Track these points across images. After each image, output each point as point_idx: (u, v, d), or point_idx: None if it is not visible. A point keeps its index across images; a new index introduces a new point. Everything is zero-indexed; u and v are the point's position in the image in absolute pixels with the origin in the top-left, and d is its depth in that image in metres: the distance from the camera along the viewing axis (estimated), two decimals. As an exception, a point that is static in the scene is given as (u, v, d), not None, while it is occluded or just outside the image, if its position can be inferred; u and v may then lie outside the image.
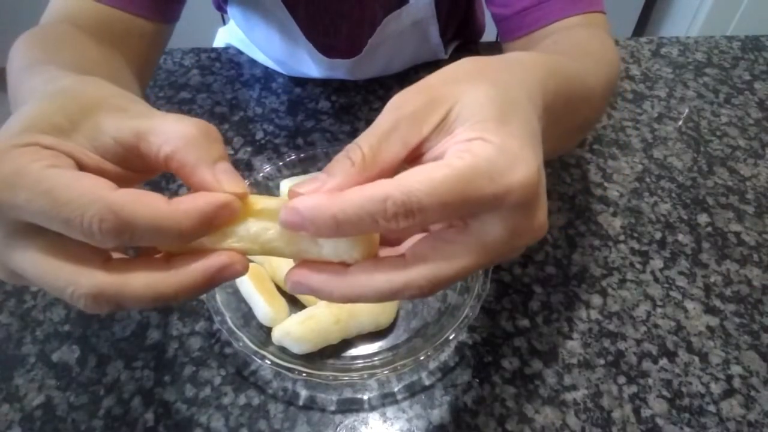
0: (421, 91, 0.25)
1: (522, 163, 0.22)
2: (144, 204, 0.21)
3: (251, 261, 0.49)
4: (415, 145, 0.24)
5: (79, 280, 0.22)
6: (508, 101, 0.24)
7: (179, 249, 0.24)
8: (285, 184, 0.54)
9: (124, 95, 0.26)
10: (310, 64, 0.68)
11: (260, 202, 0.25)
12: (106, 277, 0.22)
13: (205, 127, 0.24)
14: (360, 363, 0.44)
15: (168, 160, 0.24)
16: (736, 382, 0.45)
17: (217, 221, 0.23)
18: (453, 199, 0.21)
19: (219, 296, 0.45)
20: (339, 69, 0.68)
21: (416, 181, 0.21)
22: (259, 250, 0.25)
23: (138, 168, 0.25)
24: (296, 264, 0.25)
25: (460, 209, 0.22)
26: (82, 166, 0.23)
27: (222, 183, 0.24)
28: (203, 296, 0.46)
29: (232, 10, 0.69)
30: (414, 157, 0.25)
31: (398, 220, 0.21)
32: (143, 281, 0.23)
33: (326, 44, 0.66)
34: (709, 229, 0.56)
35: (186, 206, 0.22)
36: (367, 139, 0.24)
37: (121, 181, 0.23)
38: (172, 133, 0.24)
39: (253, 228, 0.25)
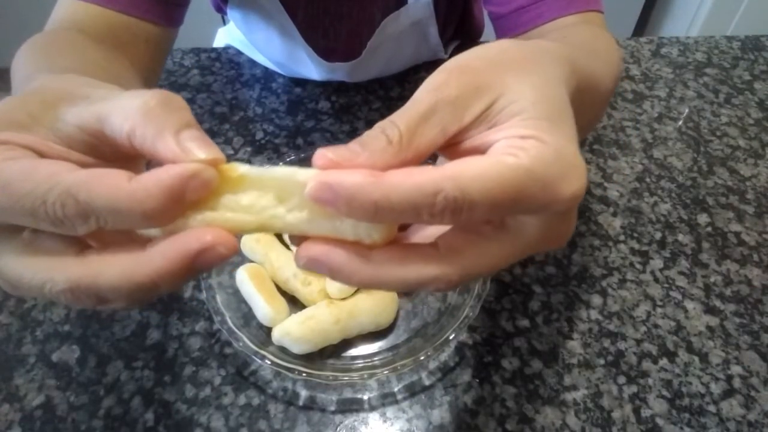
0: (465, 74, 0.23)
1: (575, 173, 0.21)
2: (102, 184, 0.19)
3: (251, 261, 0.49)
4: (454, 133, 0.22)
5: (53, 275, 0.21)
6: (557, 99, 0.23)
7: (171, 231, 0.21)
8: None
9: (91, 84, 0.24)
10: (309, 67, 0.69)
11: (242, 168, 0.22)
12: (80, 269, 0.21)
13: (165, 96, 0.22)
14: (360, 363, 0.44)
15: (131, 139, 0.21)
16: (736, 382, 0.45)
17: (189, 196, 0.20)
18: (504, 201, 0.20)
19: (219, 296, 0.45)
20: (338, 72, 0.68)
21: (470, 178, 0.19)
22: (254, 224, 0.22)
23: (111, 156, 0.23)
24: (311, 238, 0.22)
25: (506, 211, 0.20)
26: (45, 158, 0.21)
27: (189, 151, 0.21)
28: (203, 296, 0.46)
29: (231, 12, 0.69)
30: (448, 146, 0.23)
31: (443, 216, 0.20)
32: (117, 270, 0.20)
33: (326, 47, 0.66)
34: (709, 229, 0.56)
35: (147, 182, 0.19)
36: (404, 118, 0.21)
37: None
38: (130, 109, 0.21)
39: (244, 199, 0.22)
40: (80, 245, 0.21)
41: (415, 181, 0.19)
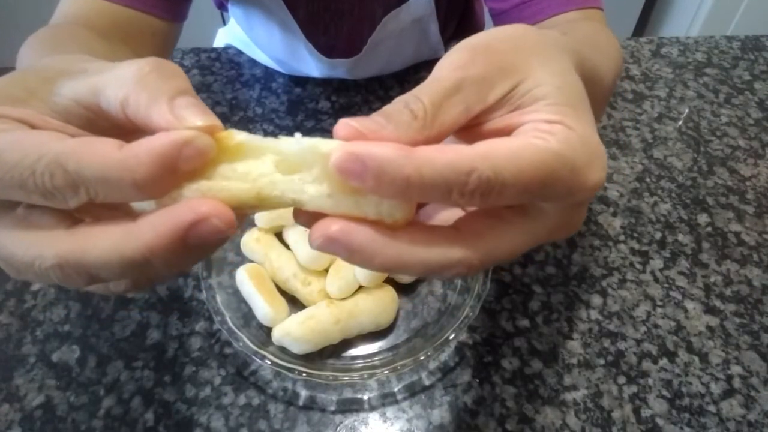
0: (489, 54, 0.22)
1: (599, 161, 0.21)
2: (91, 152, 0.18)
3: (251, 261, 0.49)
4: (477, 113, 0.22)
5: (42, 251, 0.19)
6: (578, 87, 0.23)
7: (165, 205, 0.20)
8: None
9: (90, 60, 0.23)
10: (310, 64, 0.69)
11: (240, 135, 0.20)
12: (68, 243, 0.19)
13: (159, 63, 0.21)
14: (360, 363, 0.44)
15: (125, 108, 0.20)
16: (736, 382, 0.45)
17: (183, 165, 0.19)
18: (534, 184, 0.19)
19: (219, 296, 0.45)
20: (339, 68, 0.68)
21: (504, 158, 0.19)
22: (251, 192, 0.20)
23: (109, 130, 0.22)
24: (326, 216, 0.20)
25: (534, 194, 0.20)
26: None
27: (183, 118, 0.20)
28: (203, 296, 0.46)
29: (233, 9, 0.69)
30: (466, 127, 0.22)
31: (473, 197, 0.19)
32: (106, 243, 0.19)
33: (326, 43, 0.66)
34: (709, 229, 0.56)
35: (138, 150, 0.18)
36: (429, 93, 0.21)
37: None
38: (124, 78, 0.20)
39: (240, 167, 0.20)
40: (73, 220, 0.20)
41: (449, 157, 0.18)
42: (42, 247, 0.20)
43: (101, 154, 0.18)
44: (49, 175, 0.18)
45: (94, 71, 0.22)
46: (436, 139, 0.21)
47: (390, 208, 0.20)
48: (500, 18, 0.55)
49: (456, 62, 0.22)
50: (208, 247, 0.19)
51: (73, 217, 0.20)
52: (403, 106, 0.20)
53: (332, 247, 0.19)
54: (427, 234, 0.20)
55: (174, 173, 0.19)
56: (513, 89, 0.22)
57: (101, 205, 0.20)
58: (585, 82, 0.24)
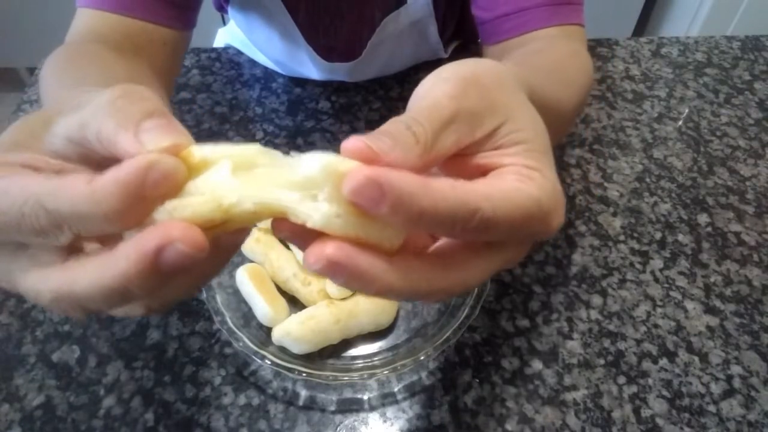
0: (480, 89, 0.23)
1: (562, 207, 0.23)
2: (63, 190, 0.19)
3: (251, 261, 0.49)
4: (464, 146, 0.22)
5: (40, 287, 0.20)
6: (546, 133, 0.24)
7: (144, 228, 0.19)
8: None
9: (87, 91, 0.23)
10: (309, 67, 0.69)
11: (201, 151, 0.20)
12: (59, 278, 0.20)
13: (124, 89, 0.21)
14: (360, 363, 0.44)
15: (100, 140, 0.20)
16: (736, 382, 0.45)
17: (152, 190, 0.18)
18: (518, 225, 0.21)
19: (219, 296, 0.45)
20: (339, 72, 0.68)
21: (500, 201, 0.20)
22: (214, 209, 0.19)
23: (104, 163, 0.21)
24: (325, 238, 0.19)
25: (514, 233, 0.21)
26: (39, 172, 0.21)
27: (146, 142, 0.19)
28: (203, 296, 0.46)
29: (232, 11, 0.69)
30: (450, 157, 0.23)
31: (470, 233, 0.20)
32: (88, 276, 0.19)
33: (326, 46, 0.66)
34: (709, 229, 0.56)
35: (105, 181, 0.18)
36: (429, 119, 0.21)
37: None
38: (96, 109, 0.20)
39: (200, 181, 0.19)
40: (70, 254, 0.21)
41: (459, 195, 0.19)
42: (40, 283, 0.20)
43: (71, 190, 0.18)
44: (35, 217, 0.19)
45: (85, 103, 0.22)
46: (430, 166, 0.22)
47: (392, 234, 0.20)
48: (484, 27, 0.55)
49: (451, 92, 0.22)
50: (188, 271, 0.19)
51: (71, 251, 0.21)
52: (405, 128, 0.21)
53: (334, 271, 0.19)
54: (419, 263, 0.21)
55: (144, 200, 0.18)
56: (497, 128, 0.23)
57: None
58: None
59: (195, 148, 0.20)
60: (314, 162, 0.19)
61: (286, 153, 0.21)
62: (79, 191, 0.18)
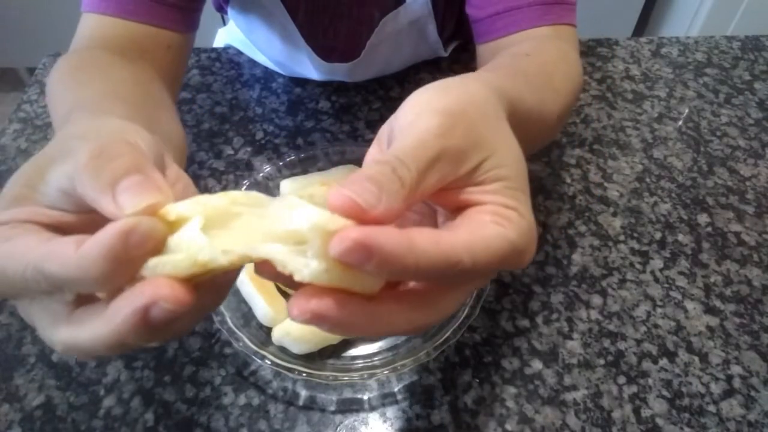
0: (466, 124, 0.23)
1: (534, 243, 0.23)
2: (55, 256, 0.20)
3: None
4: (447, 183, 0.23)
5: (53, 339, 0.22)
6: (525, 169, 0.25)
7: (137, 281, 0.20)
8: (285, 185, 0.54)
9: (79, 135, 0.24)
10: (309, 67, 0.69)
11: (176, 209, 0.21)
12: (65, 332, 0.21)
13: (100, 147, 0.21)
14: (360, 363, 0.44)
15: (85, 199, 0.21)
16: (736, 382, 0.45)
17: (135, 251, 0.19)
18: (494, 268, 0.22)
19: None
20: (338, 72, 0.68)
21: (480, 250, 0.21)
22: (192, 264, 0.20)
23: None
24: (308, 290, 0.20)
25: (487, 274, 0.22)
26: (44, 227, 0.22)
27: (123, 206, 0.20)
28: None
29: (232, 12, 0.69)
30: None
31: (448, 280, 0.21)
32: (88, 332, 0.20)
33: (325, 46, 0.66)
34: (709, 229, 0.56)
35: (89, 249, 0.19)
36: (415, 161, 0.22)
37: (95, 230, 0.20)
38: (78, 170, 0.21)
39: (176, 238, 0.20)
40: (78, 303, 0.22)
41: (442, 250, 0.20)
42: (52, 335, 0.22)
43: (61, 258, 0.19)
44: (35, 282, 0.20)
45: (74, 151, 0.22)
46: (414, 203, 0.22)
47: (373, 281, 0.21)
48: (476, 26, 0.56)
49: (437, 130, 0.23)
50: (176, 323, 0.20)
51: (80, 301, 0.22)
52: (390, 171, 0.21)
53: (318, 323, 0.20)
54: (398, 306, 0.22)
55: (129, 261, 0.19)
56: (480, 164, 0.23)
57: None
58: (517, 123, 0.27)
59: (170, 206, 0.21)
60: (303, 220, 0.20)
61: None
62: (68, 258, 0.19)
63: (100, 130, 0.24)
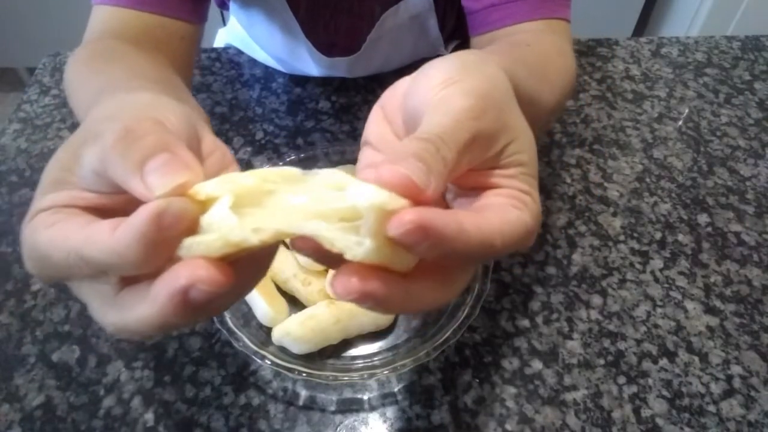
0: (496, 108, 0.24)
1: (539, 227, 0.24)
2: (92, 241, 0.20)
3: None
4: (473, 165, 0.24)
5: (102, 320, 0.22)
6: (536, 152, 0.25)
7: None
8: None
9: (109, 118, 0.24)
10: (309, 63, 0.69)
11: (205, 189, 0.20)
12: (113, 315, 0.22)
13: (125, 129, 0.21)
14: (360, 363, 0.44)
15: (117, 182, 0.21)
16: (736, 382, 0.45)
17: (169, 233, 0.19)
18: (512, 250, 0.22)
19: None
20: (338, 67, 0.68)
21: (509, 233, 0.22)
22: (224, 245, 0.19)
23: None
24: (352, 269, 0.20)
25: (500, 256, 0.23)
26: (84, 210, 0.23)
27: (152, 187, 0.20)
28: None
29: (234, 7, 0.69)
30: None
31: (475, 260, 0.22)
32: (135, 315, 0.21)
33: (326, 40, 0.66)
34: (709, 229, 0.56)
35: (124, 233, 0.19)
36: (455, 142, 0.22)
37: (134, 209, 0.20)
38: (106, 152, 0.21)
39: (208, 218, 0.20)
40: (125, 283, 0.22)
41: (483, 234, 0.20)
42: (102, 317, 0.22)
43: (99, 243, 0.20)
44: (78, 267, 0.20)
45: (105, 132, 0.22)
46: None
47: (410, 260, 0.21)
48: (472, 17, 0.56)
49: (472, 112, 0.23)
50: (217, 301, 0.20)
51: (126, 281, 0.22)
52: (435, 151, 0.21)
53: (365, 300, 0.20)
54: (428, 284, 0.22)
55: (164, 242, 0.19)
56: (504, 148, 0.24)
57: None
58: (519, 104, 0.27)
59: (199, 186, 0.20)
60: (361, 198, 0.19)
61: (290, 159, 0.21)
62: (104, 244, 0.20)
63: (128, 109, 0.24)
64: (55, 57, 0.76)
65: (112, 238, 0.19)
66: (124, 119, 0.22)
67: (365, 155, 0.27)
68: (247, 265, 0.22)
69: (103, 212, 0.23)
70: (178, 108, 0.24)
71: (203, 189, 0.20)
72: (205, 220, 0.20)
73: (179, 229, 0.19)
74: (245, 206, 0.21)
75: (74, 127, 0.67)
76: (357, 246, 0.19)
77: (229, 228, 0.19)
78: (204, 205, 0.20)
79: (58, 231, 0.21)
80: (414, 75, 0.26)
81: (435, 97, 0.24)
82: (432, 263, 0.22)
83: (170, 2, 0.50)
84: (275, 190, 0.21)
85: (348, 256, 0.19)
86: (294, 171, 0.22)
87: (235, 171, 0.26)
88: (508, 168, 0.24)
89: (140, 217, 0.19)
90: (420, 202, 0.20)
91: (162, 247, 0.19)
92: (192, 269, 0.19)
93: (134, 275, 0.21)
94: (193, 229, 0.20)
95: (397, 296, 0.21)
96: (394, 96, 0.27)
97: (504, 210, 0.23)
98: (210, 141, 0.26)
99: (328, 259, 0.21)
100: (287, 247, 0.50)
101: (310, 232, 0.20)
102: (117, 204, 0.23)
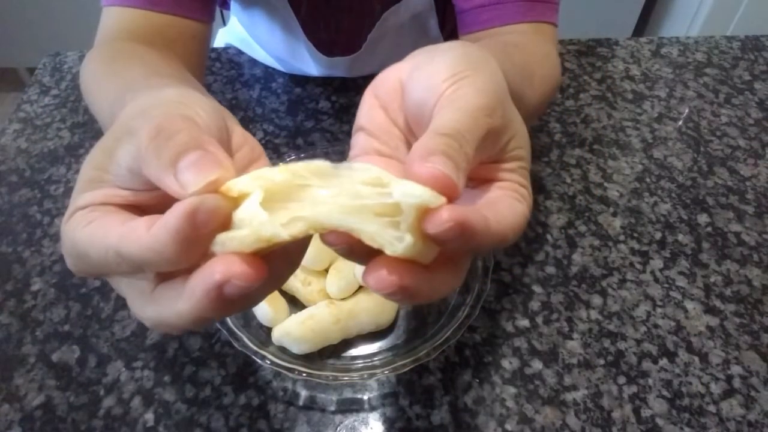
0: (504, 104, 0.24)
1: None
2: (129, 240, 0.20)
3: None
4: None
5: (140, 315, 0.23)
6: (530, 145, 0.27)
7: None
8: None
9: (139, 114, 0.24)
10: (309, 62, 0.69)
11: (237, 186, 0.21)
12: (151, 310, 0.22)
13: (155, 128, 0.21)
14: (360, 363, 0.44)
15: (151, 180, 0.22)
16: (736, 382, 0.45)
17: (204, 230, 0.20)
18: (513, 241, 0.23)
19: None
20: (338, 67, 0.68)
21: (518, 226, 0.23)
22: (257, 240, 0.20)
23: None
24: (384, 262, 0.21)
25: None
26: (121, 207, 0.23)
27: (186, 185, 0.20)
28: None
29: (235, 6, 0.69)
30: None
31: (486, 252, 0.24)
32: (172, 310, 0.21)
33: (327, 40, 0.66)
34: (709, 229, 0.56)
35: (159, 231, 0.20)
36: (474, 141, 0.22)
37: (170, 206, 0.21)
38: (139, 151, 0.22)
39: (240, 214, 0.20)
40: (162, 279, 0.22)
41: (501, 228, 0.22)
42: (140, 312, 0.23)
43: (136, 240, 0.20)
44: (116, 264, 0.21)
45: (138, 129, 0.22)
46: None
47: (434, 252, 0.22)
48: (462, 16, 0.56)
49: (485, 110, 0.23)
50: (252, 294, 0.21)
51: (163, 277, 0.22)
52: (459, 147, 0.22)
53: (399, 292, 0.21)
54: (445, 273, 0.23)
55: (199, 239, 0.20)
56: (507, 143, 0.25)
57: None
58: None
59: (231, 183, 0.21)
60: (404, 195, 0.20)
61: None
62: (140, 241, 0.20)
63: (159, 105, 0.24)
64: (55, 57, 0.76)
65: (148, 236, 0.20)
66: (156, 116, 0.22)
67: (359, 141, 0.27)
68: (280, 258, 0.23)
69: (139, 209, 0.23)
70: (207, 103, 0.25)
71: (235, 186, 0.21)
72: (238, 216, 0.20)
73: (213, 225, 0.20)
74: (277, 201, 0.21)
75: (74, 127, 0.67)
76: (398, 242, 0.20)
77: (260, 223, 0.20)
78: (236, 201, 0.21)
79: (95, 229, 0.22)
80: (414, 63, 0.26)
81: (447, 91, 0.24)
82: (443, 253, 0.23)
83: (180, 1, 0.51)
84: (306, 184, 0.22)
85: (388, 251, 0.20)
86: (325, 165, 0.22)
87: (264, 163, 0.26)
88: (510, 162, 0.25)
89: (175, 215, 0.19)
90: (452, 199, 0.21)
91: (196, 243, 0.20)
92: (227, 265, 0.19)
93: (170, 271, 0.21)
94: (226, 225, 0.21)
95: (425, 287, 0.21)
96: (388, 81, 0.27)
97: (512, 204, 0.24)
98: (239, 134, 0.26)
99: (358, 254, 0.22)
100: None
101: (351, 226, 0.20)
102: (152, 201, 0.23)
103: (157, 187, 0.22)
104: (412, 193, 0.20)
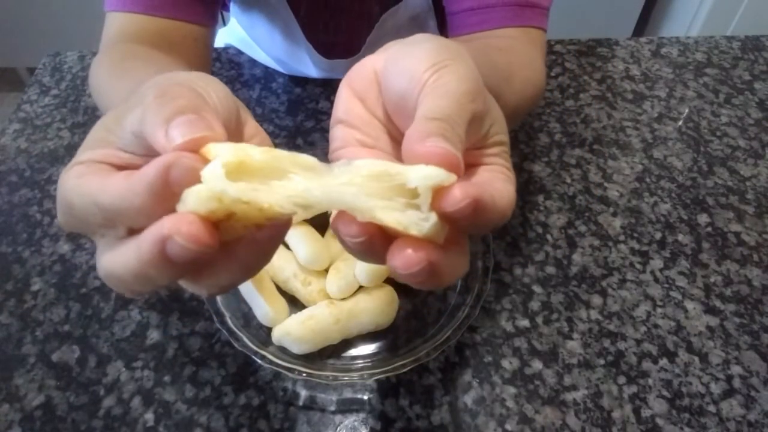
0: (484, 93, 0.25)
1: None
2: (107, 187, 0.21)
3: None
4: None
5: (98, 265, 0.23)
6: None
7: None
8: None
9: (152, 85, 0.24)
10: (309, 65, 0.69)
11: (215, 149, 0.21)
12: (105, 260, 0.22)
13: (162, 88, 0.22)
14: (360, 363, 0.44)
15: (147, 139, 0.22)
16: (736, 382, 0.45)
17: (177, 187, 0.20)
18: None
19: (219, 296, 0.45)
20: (338, 69, 0.68)
21: (511, 205, 0.23)
22: (210, 196, 0.19)
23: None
24: (407, 243, 0.21)
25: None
26: (116, 167, 0.23)
27: (173, 138, 0.20)
28: (203, 296, 0.46)
29: (234, 8, 0.69)
30: None
31: (489, 230, 0.24)
32: (120, 260, 0.21)
33: (326, 42, 0.66)
34: (709, 229, 0.56)
35: (134, 180, 0.20)
36: (462, 124, 0.23)
37: None
38: (144, 108, 0.22)
39: (203, 175, 0.20)
40: (129, 235, 0.22)
41: (505, 203, 0.23)
42: (98, 261, 0.23)
43: (112, 188, 0.21)
44: (93, 215, 0.21)
45: (147, 95, 0.23)
46: None
47: (445, 232, 0.22)
48: (451, 18, 0.56)
49: (470, 95, 0.24)
50: (195, 262, 0.20)
51: (132, 234, 0.22)
52: (452, 129, 0.22)
53: (426, 271, 0.21)
54: (456, 254, 0.23)
55: (171, 196, 0.20)
56: (489, 129, 0.25)
57: None
58: None
59: (212, 145, 0.21)
60: (424, 178, 0.20)
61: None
62: (117, 189, 0.20)
63: (172, 77, 0.25)
64: (55, 57, 0.76)
65: (124, 184, 0.20)
66: (167, 85, 0.23)
67: (339, 133, 0.27)
68: (249, 246, 0.22)
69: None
70: (222, 89, 0.25)
71: (215, 148, 0.21)
72: (203, 175, 0.20)
73: (185, 183, 0.20)
74: (254, 178, 0.21)
75: (74, 127, 0.67)
76: (423, 222, 0.21)
77: (215, 177, 0.20)
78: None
79: (83, 180, 0.22)
80: (388, 55, 0.26)
81: (429, 80, 0.24)
82: (451, 233, 0.23)
83: (182, 6, 0.51)
84: (293, 173, 0.22)
85: (414, 231, 0.21)
86: (312, 160, 0.22)
87: None
88: (493, 147, 0.25)
89: (151, 167, 0.20)
90: (458, 176, 0.21)
91: (167, 199, 0.20)
92: (175, 221, 0.19)
93: (141, 228, 0.21)
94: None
95: (446, 265, 0.22)
96: (363, 74, 0.27)
97: (505, 183, 0.24)
98: (252, 126, 0.27)
99: (377, 245, 0.22)
100: (287, 246, 0.50)
101: (372, 208, 0.21)
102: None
103: (155, 152, 0.22)
104: (429, 174, 0.20)
